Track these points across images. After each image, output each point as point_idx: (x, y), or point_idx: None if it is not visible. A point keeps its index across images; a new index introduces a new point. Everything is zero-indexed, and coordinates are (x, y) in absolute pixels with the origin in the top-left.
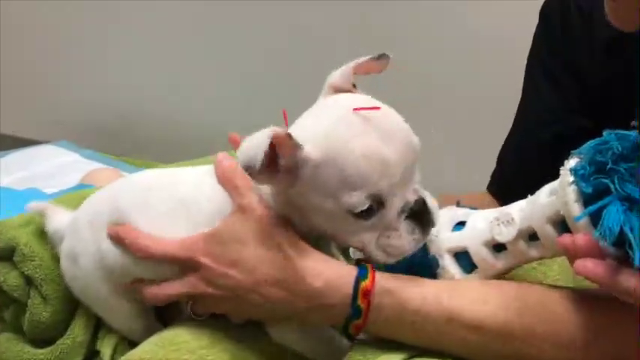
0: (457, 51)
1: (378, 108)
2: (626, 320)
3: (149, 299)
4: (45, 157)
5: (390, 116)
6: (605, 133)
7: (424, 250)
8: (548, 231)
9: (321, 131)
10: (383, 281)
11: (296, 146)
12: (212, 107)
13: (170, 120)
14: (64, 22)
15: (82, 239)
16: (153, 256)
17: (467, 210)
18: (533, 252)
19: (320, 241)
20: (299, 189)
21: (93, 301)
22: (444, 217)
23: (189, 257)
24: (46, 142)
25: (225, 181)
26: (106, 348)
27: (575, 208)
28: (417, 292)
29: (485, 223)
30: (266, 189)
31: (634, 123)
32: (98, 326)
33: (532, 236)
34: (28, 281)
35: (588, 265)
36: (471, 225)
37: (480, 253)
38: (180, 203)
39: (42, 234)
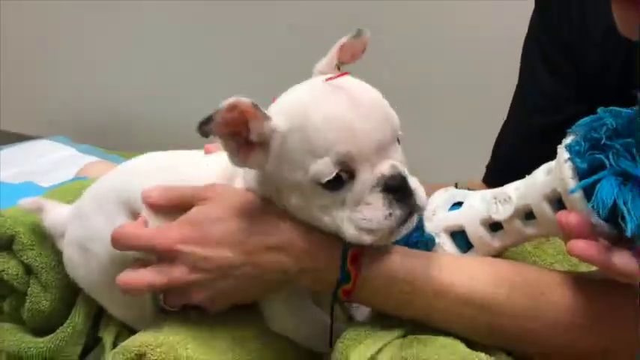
0: (453, 48)
1: (347, 73)
2: (624, 305)
3: (123, 289)
4: (41, 152)
5: (363, 87)
6: (599, 110)
7: (421, 229)
8: (544, 209)
9: (288, 101)
10: (373, 249)
11: (264, 117)
12: (206, 105)
13: (166, 120)
14: (63, 23)
15: (92, 226)
16: (129, 246)
17: (464, 191)
18: (530, 230)
19: None
20: (271, 164)
21: (100, 289)
22: (441, 197)
23: (165, 247)
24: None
25: (177, 193)
26: (108, 335)
27: (571, 184)
28: (407, 263)
29: (482, 202)
30: (249, 174)
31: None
32: (99, 315)
33: (528, 215)
34: (28, 270)
35: (580, 245)
36: (468, 204)
37: (477, 232)
38: (183, 182)
39: (40, 223)
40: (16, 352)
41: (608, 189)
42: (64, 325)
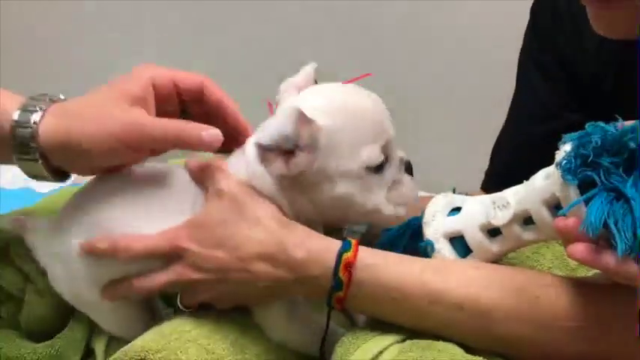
0: (451, 51)
1: (369, 75)
2: (624, 307)
3: (138, 292)
4: None
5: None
6: (587, 125)
7: (420, 234)
8: (543, 214)
9: (322, 103)
10: (366, 256)
11: (309, 121)
12: None
13: None
14: (63, 24)
15: (71, 241)
16: (137, 254)
17: (463, 196)
18: (528, 235)
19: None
20: (319, 161)
21: (87, 303)
22: (440, 202)
23: (173, 246)
24: None
25: (198, 173)
26: (99, 345)
27: (571, 190)
28: (400, 270)
29: (480, 207)
30: (263, 184)
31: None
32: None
33: (527, 220)
34: (25, 277)
35: (580, 248)
36: (467, 209)
37: (476, 237)
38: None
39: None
40: (15, 358)
41: (598, 209)
42: (63, 331)
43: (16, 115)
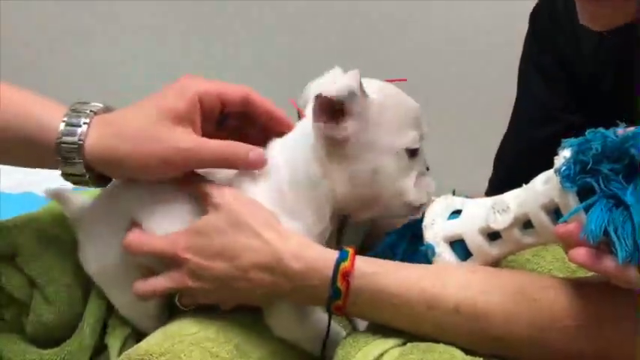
0: (453, 49)
1: (404, 79)
2: (624, 307)
3: (137, 295)
4: None
5: None
6: (587, 132)
7: (420, 238)
8: (543, 219)
9: (375, 85)
10: (363, 264)
11: (364, 91)
12: None
13: None
14: (63, 24)
15: (101, 229)
16: (145, 253)
17: (463, 199)
18: (528, 239)
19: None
20: (365, 134)
21: (111, 285)
22: (440, 205)
23: (173, 253)
24: None
25: (194, 188)
26: (114, 341)
27: (570, 197)
28: (398, 276)
29: (480, 211)
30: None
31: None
32: (104, 328)
33: (527, 224)
34: (31, 282)
35: (582, 252)
36: (467, 213)
37: (476, 241)
38: None
39: (45, 234)
40: None
41: (598, 217)
42: (72, 338)
43: (61, 127)
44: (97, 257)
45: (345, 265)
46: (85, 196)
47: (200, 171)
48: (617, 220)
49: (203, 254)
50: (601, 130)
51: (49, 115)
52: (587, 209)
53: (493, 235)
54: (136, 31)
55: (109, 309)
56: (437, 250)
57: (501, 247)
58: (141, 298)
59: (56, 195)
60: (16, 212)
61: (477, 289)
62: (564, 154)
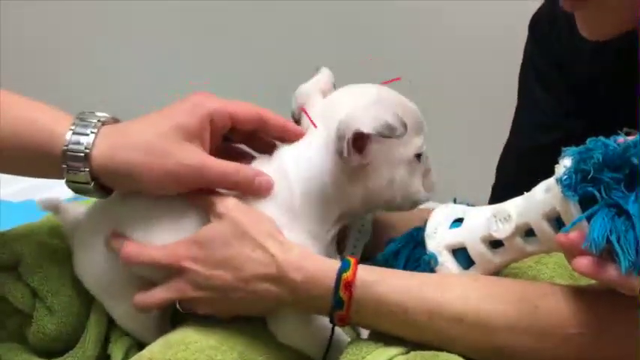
0: (453, 49)
1: (399, 79)
2: (625, 314)
3: (137, 308)
4: None
5: None
6: (588, 140)
7: (422, 246)
8: (544, 227)
9: (371, 97)
10: (365, 274)
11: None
12: None
13: None
14: (63, 26)
15: (95, 242)
16: (142, 263)
17: (464, 207)
18: (530, 247)
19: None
20: (389, 147)
21: (108, 295)
22: (442, 214)
23: (173, 263)
24: None
25: (197, 200)
26: (117, 352)
27: (571, 206)
28: (399, 285)
29: (482, 220)
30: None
31: (625, 129)
32: (107, 338)
33: (529, 232)
34: (33, 293)
35: (584, 262)
36: (469, 222)
37: (478, 250)
38: None
39: (46, 244)
40: None
41: (600, 226)
42: (75, 349)
43: (68, 135)
44: (92, 268)
45: (347, 275)
46: (79, 205)
47: None
48: (620, 229)
49: (204, 264)
50: (602, 138)
51: (56, 124)
52: (588, 218)
53: (495, 244)
54: (139, 37)
55: (112, 319)
56: (439, 258)
57: (504, 256)
58: (141, 310)
59: (50, 205)
60: (18, 221)
61: (479, 297)
62: (565, 163)
